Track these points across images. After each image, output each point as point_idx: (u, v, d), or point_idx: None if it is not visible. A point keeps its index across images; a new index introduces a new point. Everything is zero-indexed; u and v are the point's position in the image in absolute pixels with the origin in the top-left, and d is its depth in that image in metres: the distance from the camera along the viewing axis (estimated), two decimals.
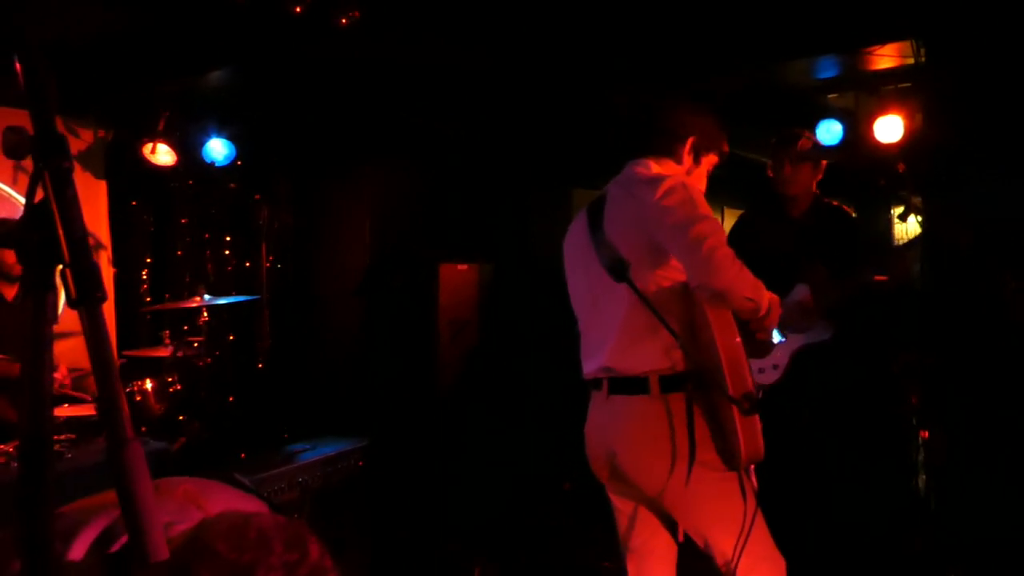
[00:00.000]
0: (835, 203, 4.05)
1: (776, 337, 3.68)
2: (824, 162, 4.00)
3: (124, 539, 1.27)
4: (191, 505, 1.41)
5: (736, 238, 4.19)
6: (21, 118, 1.05)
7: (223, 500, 1.54)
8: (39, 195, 1.03)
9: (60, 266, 1.03)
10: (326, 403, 5.62)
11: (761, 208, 4.21)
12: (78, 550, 1.25)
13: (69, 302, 1.02)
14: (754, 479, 2.53)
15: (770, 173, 4.00)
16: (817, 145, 3.79)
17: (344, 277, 5.98)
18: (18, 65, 1.05)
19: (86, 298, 1.01)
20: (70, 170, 1.04)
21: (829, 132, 4.75)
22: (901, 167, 3.52)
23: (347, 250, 5.99)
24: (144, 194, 5.62)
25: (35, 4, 3.45)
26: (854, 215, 3.81)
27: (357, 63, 4.78)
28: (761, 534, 2.53)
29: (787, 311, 3.50)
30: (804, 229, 3.90)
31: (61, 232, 1.01)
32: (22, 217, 1.04)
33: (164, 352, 4.70)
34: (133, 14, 4.11)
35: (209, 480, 1.79)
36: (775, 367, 3.72)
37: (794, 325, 3.60)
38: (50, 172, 1.02)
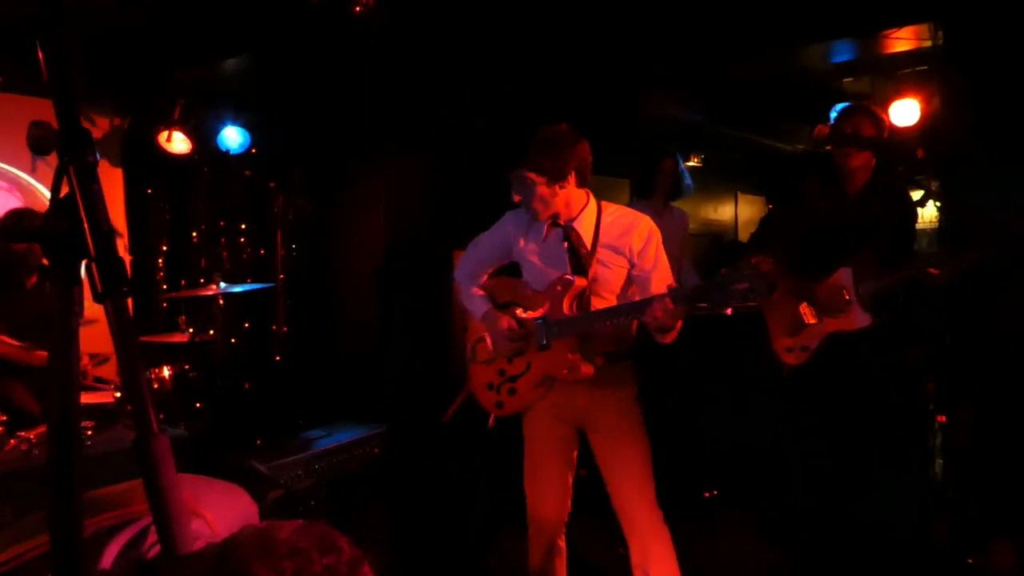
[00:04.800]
0: (900, 184, 3.68)
1: (810, 319, 3.53)
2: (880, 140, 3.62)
3: (149, 545, 1.34)
4: (192, 516, 1.45)
5: (782, 203, 4.05)
6: (42, 107, 1.04)
7: (216, 501, 1.58)
8: (64, 190, 1.03)
9: (85, 260, 1.03)
10: (341, 390, 5.63)
11: (817, 176, 3.85)
12: (107, 559, 1.31)
13: (95, 296, 1.03)
14: None
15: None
16: (834, 133, 3.62)
17: (360, 265, 5.98)
18: (41, 57, 1.05)
19: (111, 292, 1.02)
20: (95, 164, 1.04)
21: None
22: (920, 153, 3.41)
23: (363, 238, 5.99)
24: (160, 182, 5.62)
25: None
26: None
27: (375, 54, 4.77)
28: None
29: (827, 293, 3.47)
30: (858, 208, 3.61)
31: (87, 227, 1.01)
32: (48, 212, 1.04)
33: (180, 339, 4.72)
34: (151, 1, 4.11)
35: (192, 477, 1.86)
36: (804, 348, 3.57)
37: (831, 308, 3.49)
38: (76, 167, 1.02)
